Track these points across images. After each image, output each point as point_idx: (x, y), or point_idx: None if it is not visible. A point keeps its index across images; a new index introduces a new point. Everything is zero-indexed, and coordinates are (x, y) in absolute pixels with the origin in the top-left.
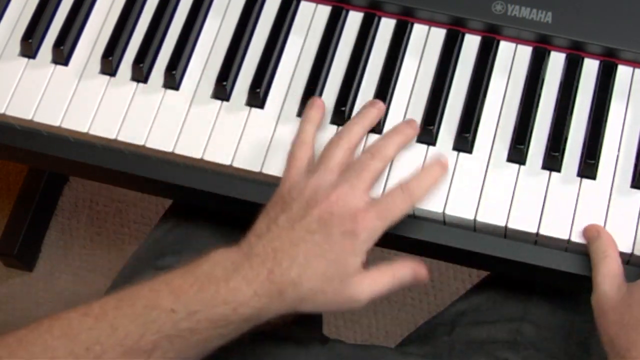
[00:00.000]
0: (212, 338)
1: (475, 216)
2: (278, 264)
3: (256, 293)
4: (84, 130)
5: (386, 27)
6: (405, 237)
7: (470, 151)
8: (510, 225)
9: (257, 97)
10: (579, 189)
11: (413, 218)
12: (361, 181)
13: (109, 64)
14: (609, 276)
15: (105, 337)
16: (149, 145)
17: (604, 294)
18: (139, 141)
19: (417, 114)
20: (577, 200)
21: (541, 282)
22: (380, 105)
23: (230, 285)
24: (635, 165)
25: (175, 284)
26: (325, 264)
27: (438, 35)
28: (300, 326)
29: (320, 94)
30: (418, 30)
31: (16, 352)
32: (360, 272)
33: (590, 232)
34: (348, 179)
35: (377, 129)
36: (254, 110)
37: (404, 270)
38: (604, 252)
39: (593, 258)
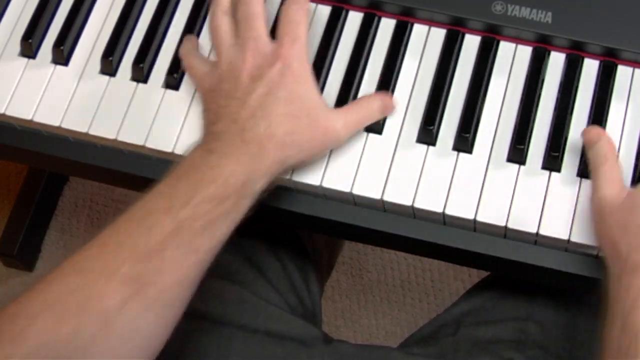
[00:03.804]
0: (216, 219)
1: (475, 216)
2: (244, 127)
3: (238, 159)
4: (84, 130)
5: (386, 27)
6: (405, 237)
7: (470, 151)
8: (510, 226)
9: None
10: (579, 189)
11: (413, 218)
12: (256, 29)
13: (109, 64)
14: (609, 180)
15: (113, 258)
16: (149, 145)
17: (604, 198)
18: (139, 141)
19: (417, 114)
20: (577, 201)
21: (541, 282)
22: None
23: (212, 164)
24: (635, 166)
25: (162, 189)
26: (282, 104)
27: (438, 35)
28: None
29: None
30: (418, 30)
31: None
32: (326, 106)
33: (590, 135)
34: (246, 37)
35: (377, 128)
36: None
37: (372, 100)
38: (605, 156)
39: (593, 162)
